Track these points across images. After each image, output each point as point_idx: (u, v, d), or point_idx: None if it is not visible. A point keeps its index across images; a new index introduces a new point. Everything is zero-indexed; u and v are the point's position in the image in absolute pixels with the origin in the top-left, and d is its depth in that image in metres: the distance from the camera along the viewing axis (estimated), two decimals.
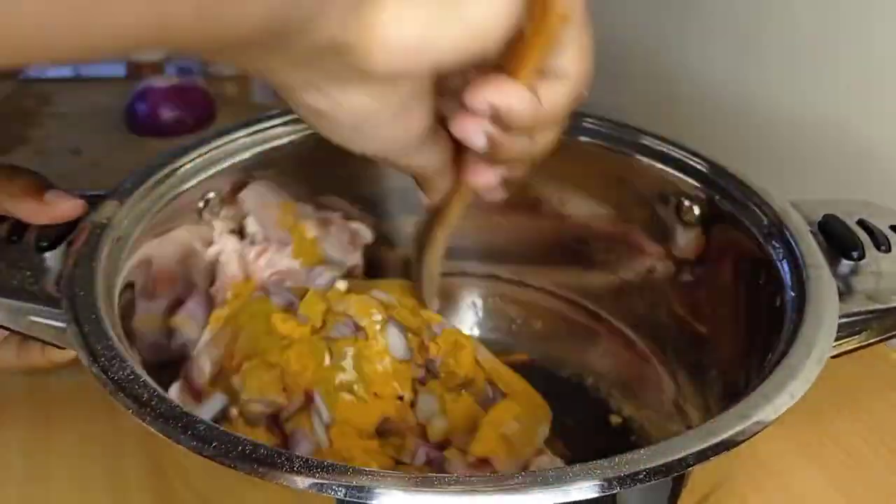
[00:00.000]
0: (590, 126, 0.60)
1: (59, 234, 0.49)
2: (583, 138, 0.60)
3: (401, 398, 0.54)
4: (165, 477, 0.48)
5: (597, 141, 0.60)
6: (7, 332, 0.50)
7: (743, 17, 0.82)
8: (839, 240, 0.51)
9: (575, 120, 0.60)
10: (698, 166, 0.56)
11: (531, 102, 0.38)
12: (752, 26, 0.81)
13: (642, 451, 0.36)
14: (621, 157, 0.59)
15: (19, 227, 0.50)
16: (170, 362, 0.54)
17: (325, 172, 0.62)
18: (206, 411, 0.51)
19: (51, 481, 0.56)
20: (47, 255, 0.48)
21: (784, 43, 0.78)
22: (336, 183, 0.63)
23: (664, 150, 0.58)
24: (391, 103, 0.38)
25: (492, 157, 0.42)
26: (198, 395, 0.53)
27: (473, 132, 0.40)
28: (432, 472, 0.51)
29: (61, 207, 0.50)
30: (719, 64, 0.86)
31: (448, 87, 0.42)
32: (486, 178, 0.45)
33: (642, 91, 0.99)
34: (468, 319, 0.69)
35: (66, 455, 0.58)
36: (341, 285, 0.58)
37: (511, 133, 0.40)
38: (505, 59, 0.38)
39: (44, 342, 0.48)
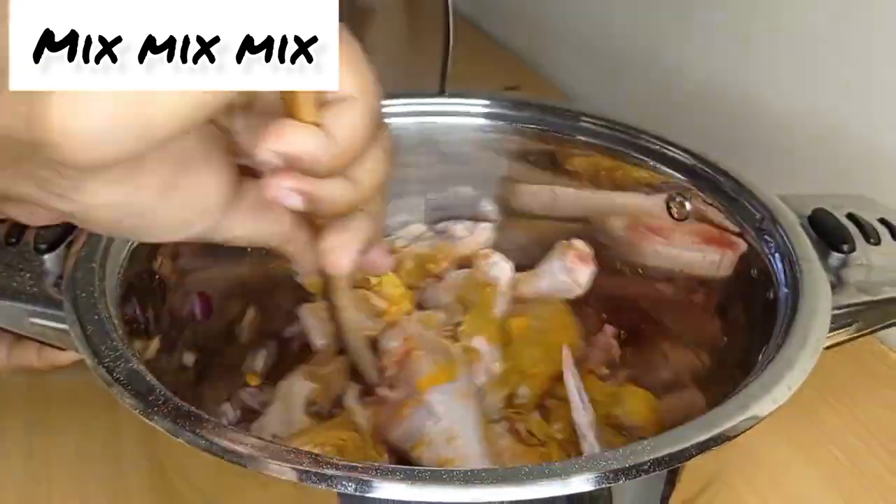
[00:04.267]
0: (587, 124, 0.61)
1: (58, 235, 0.49)
2: (578, 136, 0.61)
3: None
4: (167, 476, 0.48)
5: (591, 139, 0.61)
6: None
7: (739, 17, 0.83)
8: (829, 233, 0.51)
9: (571, 118, 0.61)
10: (689, 162, 0.57)
11: (321, 141, 0.33)
12: (747, 25, 0.81)
13: (644, 442, 0.37)
14: (616, 153, 0.60)
15: (18, 230, 0.50)
16: None
17: None
18: None
19: (51, 482, 0.56)
20: (47, 256, 0.48)
21: (778, 41, 0.78)
22: None
23: (657, 147, 0.58)
24: (148, 184, 0.33)
25: (326, 212, 0.37)
26: None
27: (282, 194, 0.34)
28: None
29: None
30: (714, 62, 0.87)
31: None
32: (341, 253, 0.38)
33: (639, 89, 0.99)
34: None
35: (66, 455, 0.58)
36: None
37: (323, 180, 0.34)
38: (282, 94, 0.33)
39: (44, 344, 0.48)
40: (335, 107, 0.33)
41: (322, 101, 0.33)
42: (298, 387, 0.56)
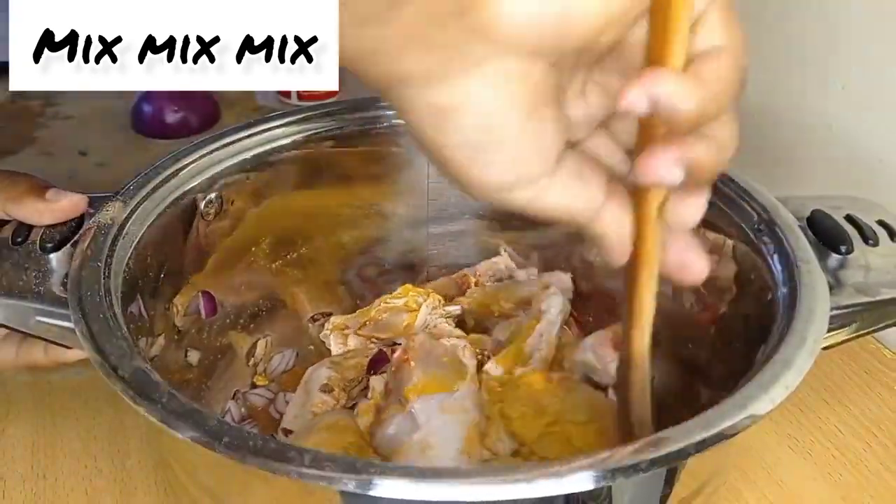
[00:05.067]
0: None
1: (63, 235, 0.49)
2: None
3: None
4: (172, 472, 0.48)
5: None
6: (6, 331, 0.51)
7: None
8: (828, 234, 0.51)
9: None
10: None
11: (692, 85, 0.32)
12: (745, 26, 0.81)
13: (641, 441, 0.37)
14: None
15: (24, 229, 0.50)
16: None
17: (327, 174, 0.63)
18: None
19: (56, 478, 0.56)
20: (52, 256, 0.49)
21: (777, 43, 0.78)
22: (337, 185, 0.64)
23: None
24: (518, 98, 0.33)
25: (690, 179, 0.34)
26: None
27: (663, 172, 0.33)
28: None
29: (63, 204, 0.50)
30: None
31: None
32: (692, 207, 0.38)
33: None
34: None
35: (71, 452, 0.58)
36: None
37: (692, 141, 0.33)
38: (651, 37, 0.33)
39: (50, 342, 0.49)
40: (704, 56, 0.33)
41: (691, 51, 0.33)
42: (318, 373, 0.58)
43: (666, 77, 0.32)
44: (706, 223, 0.54)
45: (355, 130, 0.62)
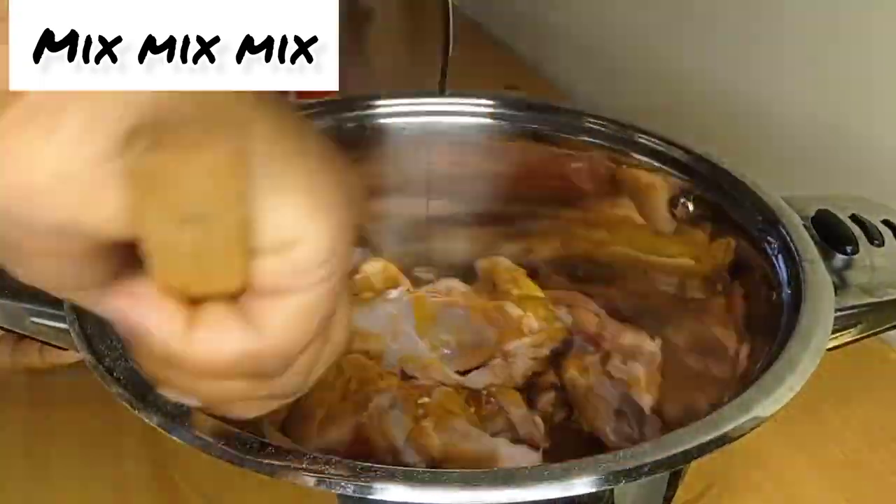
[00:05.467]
0: (587, 124, 0.61)
1: None
2: (581, 137, 0.61)
3: None
4: (168, 475, 0.48)
5: (594, 139, 0.61)
6: (2, 332, 0.51)
7: (740, 17, 0.83)
8: (833, 234, 0.51)
9: (573, 118, 0.61)
10: (692, 163, 0.57)
11: (173, 336, 0.25)
12: (748, 25, 0.82)
13: (644, 444, 0.37)
14: (617, 154, 0.60)
15: None
16: None
17: None
18: None
19: (53, 480, 0.56)
20: None
21: (780, 42, 0.78)
22: None
23: (659, 147, 0.58)
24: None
25: None
26: None
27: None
28: None
29: None
30: (716, 62, 0.87)
31: None
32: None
33: (639, 89, 0.99)
34: None
35: (67, 454, 0.58)
36: None
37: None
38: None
39: (45, 343, 0.48)
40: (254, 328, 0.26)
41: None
42: None
43: (146, 304, 0.25)
44: (709, 223, 0.55)
45: (352, 128, 0.62)
